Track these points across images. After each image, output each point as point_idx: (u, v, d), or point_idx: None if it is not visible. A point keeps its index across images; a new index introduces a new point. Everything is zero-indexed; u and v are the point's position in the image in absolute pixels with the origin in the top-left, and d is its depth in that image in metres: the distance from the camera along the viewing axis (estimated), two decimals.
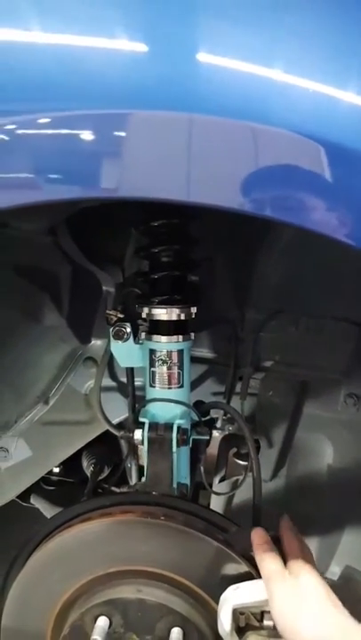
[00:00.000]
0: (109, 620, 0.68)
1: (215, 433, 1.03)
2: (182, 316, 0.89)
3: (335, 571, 1.04)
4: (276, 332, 0.99)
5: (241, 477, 1.01)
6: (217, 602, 0.66)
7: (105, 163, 0.56)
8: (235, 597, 0.65)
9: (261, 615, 0.65)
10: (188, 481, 0.91)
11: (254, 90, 0.55)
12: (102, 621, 0.68)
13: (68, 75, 0.54)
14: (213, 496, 1.08)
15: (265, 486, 1.07)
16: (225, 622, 0.64)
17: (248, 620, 0.66)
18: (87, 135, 0.55)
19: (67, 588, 0.72)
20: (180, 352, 0.90)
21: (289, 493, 1.06)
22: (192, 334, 0.90)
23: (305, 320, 0.97)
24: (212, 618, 0.67)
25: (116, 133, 0.55)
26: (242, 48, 0.56)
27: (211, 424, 1.05)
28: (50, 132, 0.54)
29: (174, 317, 0.89)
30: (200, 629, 0.68)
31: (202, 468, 0.95)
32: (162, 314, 0.88)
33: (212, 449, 1.12)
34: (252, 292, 0.98)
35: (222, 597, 0.66)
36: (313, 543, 1.05)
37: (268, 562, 0.64)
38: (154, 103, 0.55)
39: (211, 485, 1.06)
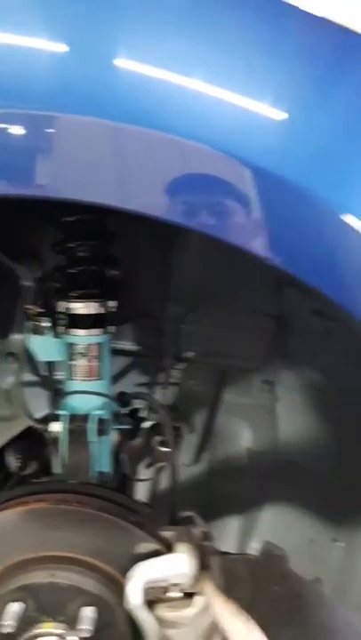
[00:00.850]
0: (23, 604, 0.70)
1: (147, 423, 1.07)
2: (101, 310, 0.91)
3: (255, 547, 1.11)
4: (196, 325, 1.04)
5: (164, 464, 1.05)
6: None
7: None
8: (142, 573, 0.69)
9: (169, 588, 0.70)
10: (109, 470, 0.94)
11: (168, 98, 0.58)
12: (15, 607, 0.69)
13: None
14: (141, 482, 1.12)
15: (189, 470, 1.12)
16: (132, 597, 0.67)
17: (156, 593, 0.70)
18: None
19: None
20: (99, 345, 0.92)
21: (211, 476, 1.11)
22: (111, 327, 0.93)
23: (223, 313, 1.02)
24: (124, 595, 0.71)
25: (31, 133, 0.57)
26: (160, 56, 0.59)
27: (135, 414, 1.08)
28: None
29: (92, 311, 0.91)
30: (112, 606, 0.71)
31: (125, 457, 0.99)
32: (80, 308, 0.90)
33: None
34: (172, 286, 1.02)
35: (130, 574, 0.69)
36: (234, 522, 1.11)
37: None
38: (70, 106, 0.57)
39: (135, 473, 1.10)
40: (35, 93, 0.56)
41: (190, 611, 0.68)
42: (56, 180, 0.61)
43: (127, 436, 1.00)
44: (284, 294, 0.93)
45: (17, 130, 0.57)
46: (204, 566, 0.73)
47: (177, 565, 0.69)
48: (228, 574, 1.67)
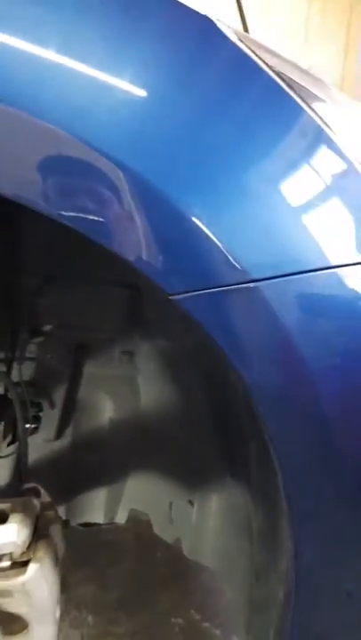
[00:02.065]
0: None
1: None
2: None
3: (123, 515, 1.13)
4: (52, 297, 1.02)
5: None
6: None
7: None
8: None
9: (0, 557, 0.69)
10: None
11: (16, 70, 0.56)
12: None
13: None
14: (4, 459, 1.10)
15: (53, 445, 1.12)
16: None
17: None
18: None
19: None
20: None
21: (76, 450, 1.11)
22: None
23: (79, 285, 1.02)
24: None
25: None
26: (15, 26, 0.56)
27: None
28: None
29: None
30: None
31: None
32: None
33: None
34: (24, 257, 0.99)
35: None
36: (102, 492, 1.12)
37: None
38: None
39: None
40: None
41: (21, 578, 0.69)
42: None
43: None
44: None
45: None
46: (41, 535, 0.74)
47: (6, 535, 0.68)
48: (108, 546, 1.70)
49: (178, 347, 0.95)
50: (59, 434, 1.10)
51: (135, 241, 0.60)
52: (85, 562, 1.57)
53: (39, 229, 0.96)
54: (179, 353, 0.96)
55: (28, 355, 1.03)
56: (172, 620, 1.44)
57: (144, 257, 0.61)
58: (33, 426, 1.07)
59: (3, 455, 1.07)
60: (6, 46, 0.57)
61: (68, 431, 1.11)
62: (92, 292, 1.01)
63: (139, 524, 1.13)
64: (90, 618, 1.46)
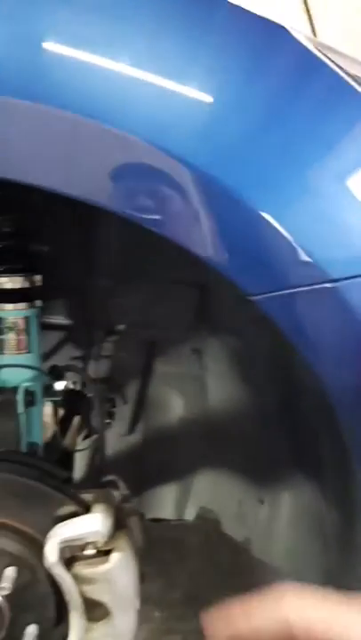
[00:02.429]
0: None
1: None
2: (26, 284, 0.92)
3: (191, 512, 1.15)
4: (124, 297, 1.06)
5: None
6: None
7: None
8: (60, 533, 0.72)
9: (85, 546, 0.73)
10: (39, 440, 0.96)
11: (93, 85, 0.60)
12: None
13: None
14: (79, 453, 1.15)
15: (124, 440, 1.16)
16: (50, 555, 0.71)
17: (73, 551, 0.73)
18: None
19: None
20: (27, 319, 0.94)
21: (147, 445, 1.15)
22: (38, 302, 0.95)
23: (149, 285, 1.05)
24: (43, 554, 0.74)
25: None
26: (86, 40, 0.60)
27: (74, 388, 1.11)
28: None
29: (18, 285, 0.92)
30: (33, 566, 0.74)
31: (58, 428, 1.01)
32: (5, 282, 0.92)
33: None
34: (98, 260, 1.04)
35: (49, 534, 0.72)
36: (171, 488, 1.15)
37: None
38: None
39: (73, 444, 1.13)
40: None
41: (104, 567, 0.72)
42: None
43: (67, 408, 1.03)
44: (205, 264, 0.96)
45: None
46: (121, 526, 0.77)
47: (91, 525, 0.72)
48: (174, 544, 1.74)
49: (248, 346, 0.96)
50: (131, 429, 1.14)
51: (214, 244, 0.62)
52: (151, 557, 1.61)
53: (112, 232, 1.00)
54: (249, 352, 0.96)
55: (103, 353, 1.08)
56: None
57: (223, 259, 0.63)
58: (107, 421, 1.11)
59: (79, 449, 1.12)
60: (92, 65, 0.61)
61: (139, 427, 1.15)
62: (162, 292, 1.04)
63: (207, 521, 1.15)
64: (156, 613, 1.49)
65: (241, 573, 1.58)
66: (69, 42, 0.61)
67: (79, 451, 1.12)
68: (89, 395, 1.12)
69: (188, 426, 1.11)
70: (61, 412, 1.05)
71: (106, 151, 0.61)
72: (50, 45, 0.61)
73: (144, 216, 0.64)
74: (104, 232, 0.97)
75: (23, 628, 0.75)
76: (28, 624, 0.75)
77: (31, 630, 0.75)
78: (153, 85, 0.62)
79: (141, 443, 1.15)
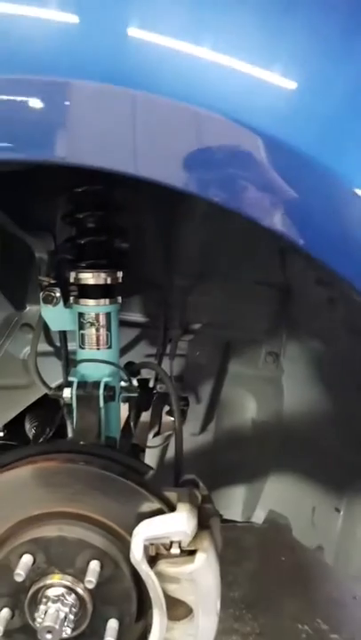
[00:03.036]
0: (33, 557, 0.74)
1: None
2: (108, 280, 0.93)
3: (260, 515, 1.13)
4: (202, 296, 1.05)
5: (171, 432, 1.08)
6: (132, 536, 0.73)
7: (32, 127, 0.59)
8: (146, 530, 0.72)
9: (170, 545, 0.73)
10: (117, 435, 0.97)
11: (181, 68, 0.59)
12: (26, 558, 0.74)
13: None
14: (149, 450, 1.15)
15: (195, 439, 1.15)
16: (136, 552, 0.71)
17: (158, 549, 0.73)
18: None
19: None
20: (108, 315, 0.95)
21: (217, 445, 1.14)
22: (119, 298, 0.95)
23: (228, 285, 1.04)
24: (128, 550, 0.74)
25: (46, 100, 0.57)
26: (172, 25, 0.59)
27: (145, 385, 1.11)
28: None
29: (101, 281, 0.93)
30: (116, 561, 0.75)
31: (132, 424, 1.02)
32: (88, 278, 0.93)
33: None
34: (178, 259, 1.03)
35: (135, 531, 0.72)
36: (240, 490, 1.14)
37: None
38: (84, 73, 0.58)
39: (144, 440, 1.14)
40: (49, 61, 0.58)
41: (190, 567, 0.72)
42: (74, 147, 0.62)
43: (136, 404, 1.03)
44: (288, 264, 0.94)
45: (35, 98, 0.58)
46: (204, 526, 0.76)
47: (177, 524, 0.72)
48: (235, 544, 1.71)
49: (331, 350, 0.93)
50: (203, 429, 1.13)
51: (311, 226, 0.59)
52: None
53: (194, 230, 0.99)
54: (331, 357, 0.94)
55: (177, 351, 1.07)
56: (299, 626, 1.42)
57: (318, 241, 0.60)
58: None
59: (151, 445, 1.12)
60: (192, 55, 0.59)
61: (211, 427, 1.14)
62: (241, 292, 1.03)
63: (277, 526, 1.13)
64: None
65: (306, 579, 1.55)
66: (156, 26, 0.59)
67: (150, 448, 1.13)
68: (161, 392, 1.13)
69: (261, 428, 1.09)
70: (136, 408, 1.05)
71: (197, 134, 0.59)
72: (136, 32, 0.59)
73: (237, 202, 0.61)
74: (186, 230, 0.97)
75: (105, 622, 0.76)
76: (110, 618, 0.76)
77: (112, 624, 0.76)
78: (243, 66, 0.59)
79: (212, 442, 1.14)
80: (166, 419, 1.19)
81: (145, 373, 1.12)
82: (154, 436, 1.17)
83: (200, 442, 1.14)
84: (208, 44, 0.60)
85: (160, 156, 0.60)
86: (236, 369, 1.09)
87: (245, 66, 0.59)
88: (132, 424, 1.01)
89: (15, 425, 1.26)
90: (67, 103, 0.58)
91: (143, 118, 0.59)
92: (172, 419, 1.18)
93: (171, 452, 1.19)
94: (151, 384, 1.12)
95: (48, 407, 1.25)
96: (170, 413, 1.21)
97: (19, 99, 0.58)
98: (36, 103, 0.58)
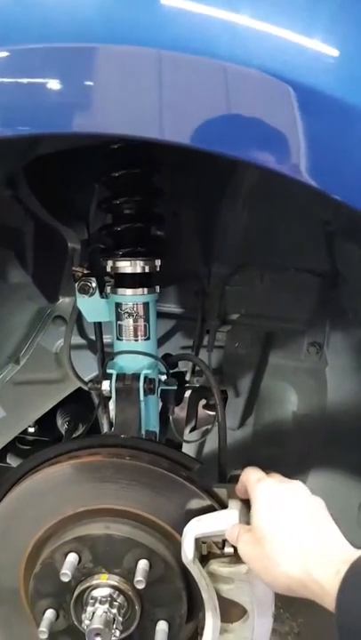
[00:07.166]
0: (79, 556, 0.71)
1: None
2: (146, 269, 0.89)
3: None
4: (241, 286, 1.01)
5: (210, 427, 1.05)
6: (181, 534, 0.69)
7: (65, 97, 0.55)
8: (197, 528, 0.68)
9: (223, 543, 0.69)
10: (156, 429, 0.93)
11: (220, 26, 0.55)
12: (72, 557, 0.71)
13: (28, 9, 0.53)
14: (186, 444, 1.12)
15: (234, 434, 1.11)
16: (188, 551, 0.67)
17: (210, 548, 0.70)
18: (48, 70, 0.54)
19: (38, 528, 0.75)
20: (146, 305, 0.91)
21: (256, 440, 1.10)
22: (157, 287, 0.92)
23: (269, 273, 0.99)
24: (177, 549, 0.71)
25: (80, 67, 0.54)
26: None
27: (182, 377, 1.08)
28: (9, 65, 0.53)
29: (138, 270, 0.89)
30: (166, 560, 0.72)
31: (170, 418, 0.98)
32: (126, 266, 0.89)
33: None
34: (217, 247, 1.00)
35: (185, 529, 0.69)
36: None
37: (252, 471, 0.70)
38: (117, 38, 0.54)
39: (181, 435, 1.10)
40: (75, 26, 0.54)
41: (245, 567, 0.68)
42: (103, 115, 0.57)
43: (173, 398, 1.00)
44: (336, 250, 0.90)
45: (62, 65, 0.55)
46: None
47: (229, 521, 0.68)
48: None
49: None
50: (241, 423, 1.09)
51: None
52: None
53: (234, 216, 0.95)
54: None
55: (216, 343, 1.04)
56: None
57: None
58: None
59: (189, 440, 1.09)
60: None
61: (250, 421, 1.10)
62: (281, 281, 0.99)
63: None
64: None
65: None
66: None
67: (188, 442, 1.09)
68: (198, 385, 1.09)
69: (302, 422, 1.05)
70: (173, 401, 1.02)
71: (234, 91, 0.55)
72: None
73: (277, 162, 0.56)
74: (227, 216, 0.93)
75: (154, 624, 0.73)
76: (159, 620, 0.73)
77: (162, 626, 0.72)
78: (284, 24, 0.55)
79: (251, 437, 1.10)
80: (202, 413, 1.16)
81: (180, 366, 1.08)
82: (190, 430, 1.14)
83: (238, 437, 1.10)
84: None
85: (191, 116, 0.55)
86: (276, 361, 1.05)
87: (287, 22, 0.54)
88: (170, 418, 0.98)
89: (46, 420, 1.23)
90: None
91: (171, 77, 0.54)
92: (209, 412, 1.15)
93: (207, 448, 1.15)
94: (187, 377, 1.08)
95: (80, 401, 1.22)
96: (206, 407, 1.17)
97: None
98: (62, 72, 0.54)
